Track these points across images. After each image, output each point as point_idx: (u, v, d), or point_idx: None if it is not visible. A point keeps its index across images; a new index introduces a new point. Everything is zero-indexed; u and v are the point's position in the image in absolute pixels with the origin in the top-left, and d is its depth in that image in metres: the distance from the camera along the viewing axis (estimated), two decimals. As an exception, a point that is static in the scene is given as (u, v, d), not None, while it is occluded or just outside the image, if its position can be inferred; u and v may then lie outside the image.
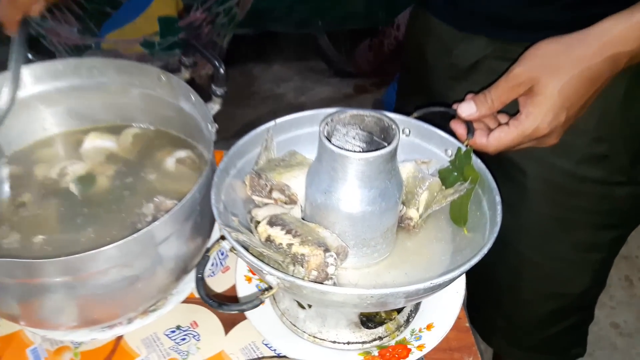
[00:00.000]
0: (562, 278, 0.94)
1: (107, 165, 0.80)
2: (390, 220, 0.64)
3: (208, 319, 0.75)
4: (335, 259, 0.58)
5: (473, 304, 1.04)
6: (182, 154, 0.81)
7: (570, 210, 0.86)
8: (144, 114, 0.85)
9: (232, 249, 0.58)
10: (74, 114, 0.84)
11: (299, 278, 0.54)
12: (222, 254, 0.84)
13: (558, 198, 0.86)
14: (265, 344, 0.71)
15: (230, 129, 1.01)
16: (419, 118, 0.76)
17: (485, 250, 0.58)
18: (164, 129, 0.85)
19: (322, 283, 0.57)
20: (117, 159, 0.81)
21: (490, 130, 0.70)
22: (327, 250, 0.58)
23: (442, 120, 0.76)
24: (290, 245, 0.58)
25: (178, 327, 0.74)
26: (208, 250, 0.58)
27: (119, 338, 0.72)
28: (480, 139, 0.70)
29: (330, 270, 0.57)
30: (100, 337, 0.69)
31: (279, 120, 0.74)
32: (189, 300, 0.76)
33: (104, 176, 0.78)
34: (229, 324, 0.74)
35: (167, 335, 0.73)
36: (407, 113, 0.77)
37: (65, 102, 0.83)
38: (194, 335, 0.73)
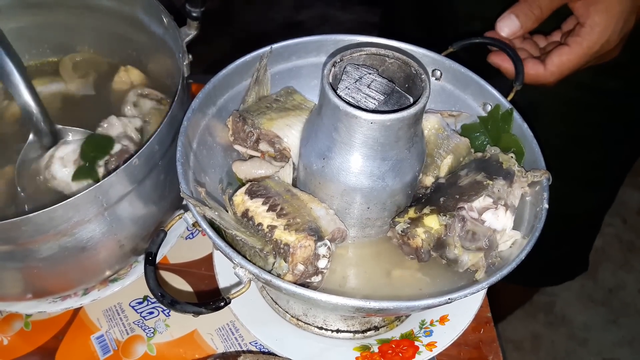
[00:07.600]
0: (571, 198, 0.83)
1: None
2: (403, 199, 0.50)
3: (181, 290, 0.63)
4: (329, 248, 0.44)
5: None
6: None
7: (585, 126, 0.77)
8: (100, 39, 0.69)
9: (196, 224, 0.45)
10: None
11: (277, 276, 0.41)
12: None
13: (572, 114, 0.77)
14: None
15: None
16: (452, 56, 0.60)
17: (522, 256, 0.45)
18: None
19: (309, 280, 0.44)
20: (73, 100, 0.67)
21: (536, 56, 0.58)
22: (319, 238, 0.44)
23: (475, 58, 0.60)
24: (272, 228, 0.44)
25: (145, 298, 0.63)
26: (164, 225, 0.45)
27: (78, 308, 0.61)
28: (536, 69, 0.57)
29: (322, 263, 0.44)
30: (50, 309, 0.58)
31: (276, 45, 0.58)
32: (160, 267, 0.65)
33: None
34: (204, 298, 0.63)
35: (133, 307, 0.62)
36: (429, 44, 0.60)
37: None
38: (163, 310, 0.62)
